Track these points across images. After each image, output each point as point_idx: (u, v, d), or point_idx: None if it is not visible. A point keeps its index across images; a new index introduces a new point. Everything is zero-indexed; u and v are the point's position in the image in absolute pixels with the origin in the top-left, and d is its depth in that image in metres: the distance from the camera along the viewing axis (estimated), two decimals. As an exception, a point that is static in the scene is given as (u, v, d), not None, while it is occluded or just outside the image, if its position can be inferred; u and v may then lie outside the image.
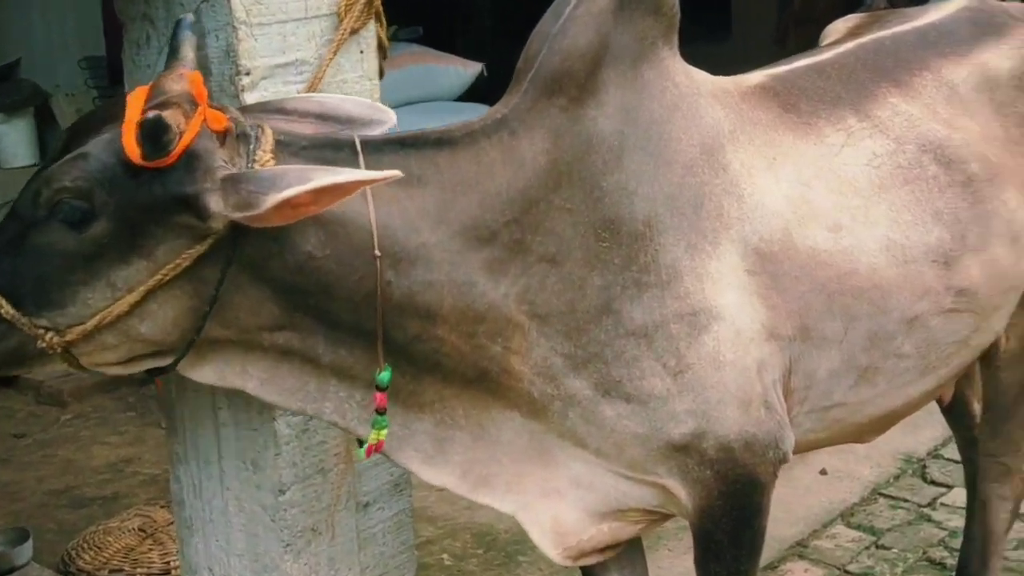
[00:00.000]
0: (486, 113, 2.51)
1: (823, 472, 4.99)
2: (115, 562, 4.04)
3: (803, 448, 2.88)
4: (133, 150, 2.14)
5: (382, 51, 3.05)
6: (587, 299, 2.46)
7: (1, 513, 4.60)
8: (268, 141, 2.25)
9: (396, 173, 2.17)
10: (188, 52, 2.34)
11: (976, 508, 3.69)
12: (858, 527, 4.64)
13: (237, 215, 2.14)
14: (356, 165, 2.27)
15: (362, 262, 2.28)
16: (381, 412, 2.38)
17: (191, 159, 2.17)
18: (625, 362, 2.48)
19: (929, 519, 4.65)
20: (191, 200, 2.16)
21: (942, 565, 4.24)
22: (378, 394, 2.37)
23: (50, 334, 2.23)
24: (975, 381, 3.56)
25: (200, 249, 2.21)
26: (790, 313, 2.61)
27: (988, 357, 3.36)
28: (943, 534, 4.44)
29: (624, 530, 2.74)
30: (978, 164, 2.91)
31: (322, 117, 2.47)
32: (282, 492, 2.89)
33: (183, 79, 2.25)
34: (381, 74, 3.05)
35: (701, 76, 2.72)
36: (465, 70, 6.67)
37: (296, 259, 2.27)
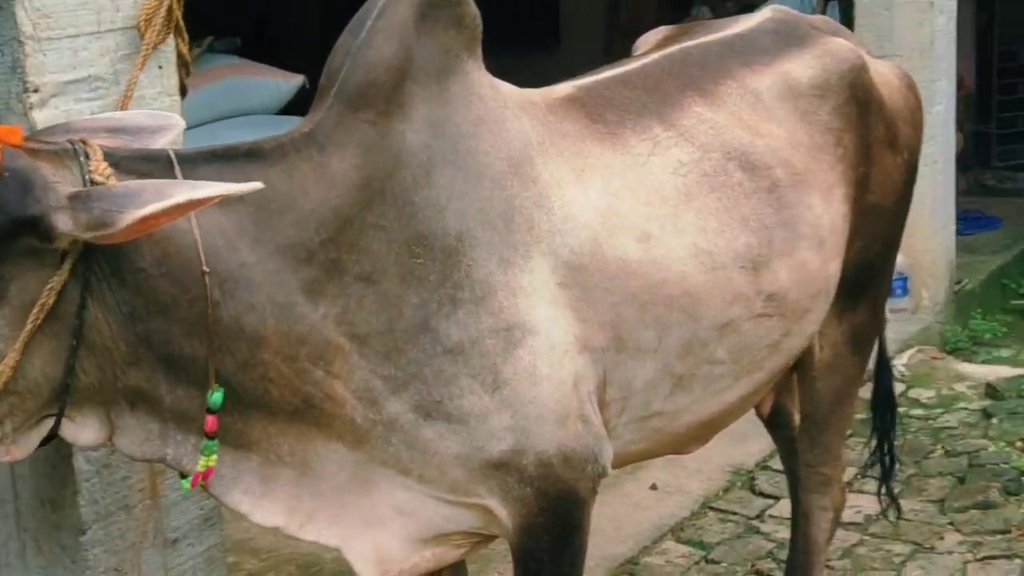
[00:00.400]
0: (292, 128, 2.46)
1: (653, 487, 4.98)
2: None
3: (625, 460, 2.90)
4: None
5: (185, 67, 2.95)
6: (404, 318, 2.42)
7: None
8: (98, 155, 2.15)
9: (258, 185, 2.11)
10: None
11: (799, 519, 3.72)
12: (688, 542, 4.64)
13: (89, 235, 2.03)
14: (173, 177, 2.19)
15: (192, 281, 2.21)
16: (211, 436, 2.30)
17: (17, 177, 2.04)
18: (444, 381, 2.45)
19: (758, 531, 4.67)
20: (35, 221, 2.02)
21: (762, 576, 4.23)
22: (209, 417, 2.28)
23: None
24: (793, 392, 3.59)
25: (58, 280, 2.09)
26: (602, 324, 2.61)
27: (803, 367, 3.42)
28: (771, 546, 4.47)
29: (447, 554, 2.71)
30: (782, 170, 2.95)
31: (112, 131, 2.36)
32: (83, 532, 2.77)
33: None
34: (183, 90, 2.95)
35: (507, 88, 2.71)
36: (286, 82, 6.51)
37: (135, 278, 2.19)
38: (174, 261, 2.21)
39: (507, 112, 2.62)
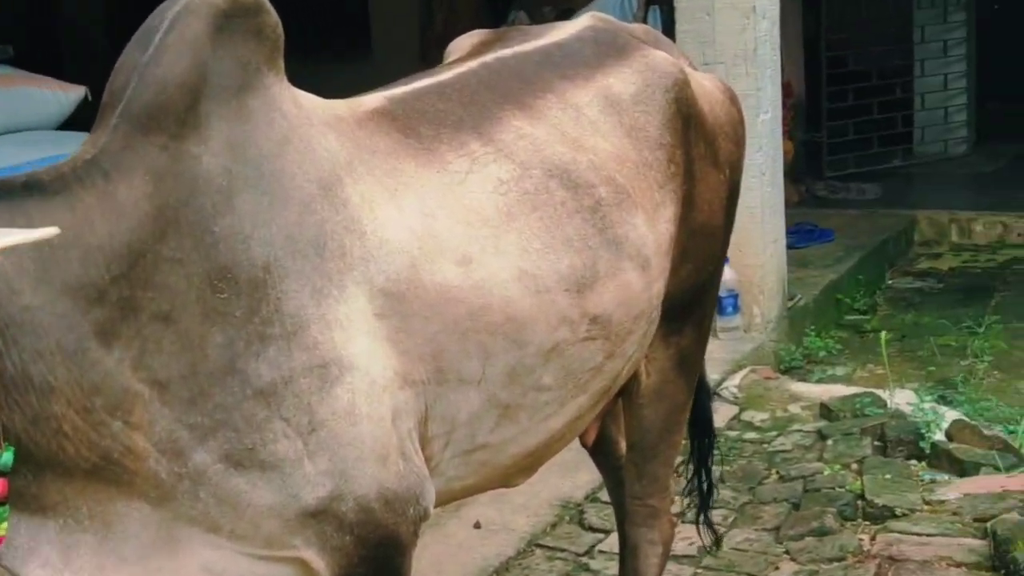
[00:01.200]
0: (72, 155, 2.28)
1: (477, 525, 4.77)
2: None
3: (450, 497, 2.84)
4: None
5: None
6: (209, 359, 2.26)
7: None
8: None
9: (52, 230, 1.93)
10: None
11: (626, 555, 3.60)
12: (515, 585, 4.43)
13: None
14: None
15: None
16: (2, 502, 2.13)
17: None
18: (255, 426, 2.29)
19: (587, 568, 4.49)
20: None
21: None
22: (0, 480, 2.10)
23: None
24: (619, 419, 3.46)
25: None
26: (423, 356, 2.50)
27: (629, 393, 3.31)
28: (598, 588, 4.25)
29: None
30: (606, 188, 2.84)
31: None
32: None
33: None
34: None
35: (311, 102, 2.56)
36: (66, 94, 6.18)
37: None
38: None
39: (313, 129, 2.47)
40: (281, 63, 2.46)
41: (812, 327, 7.16)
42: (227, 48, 2.33)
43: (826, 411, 5.74)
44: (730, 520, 4.74)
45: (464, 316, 2.53)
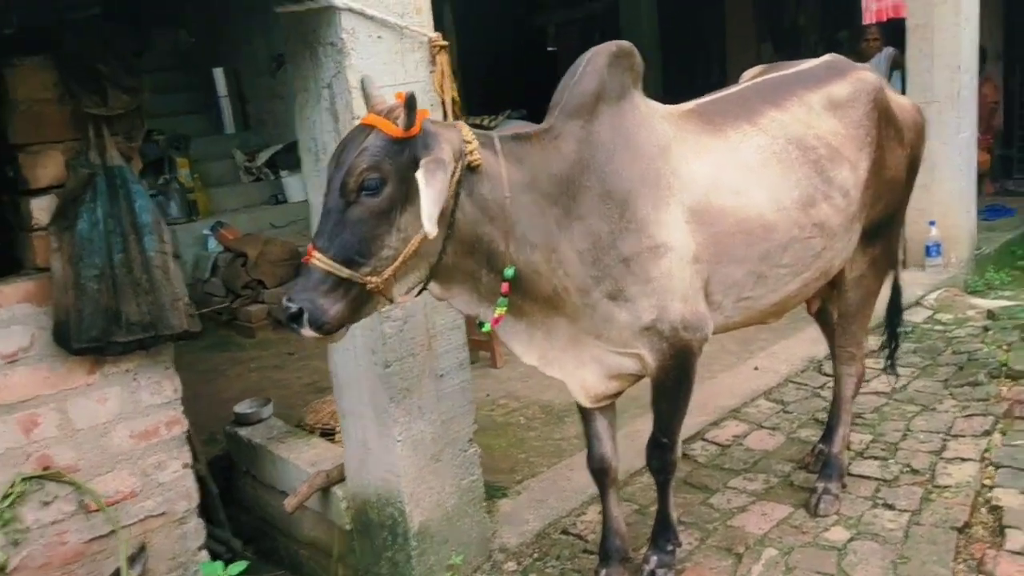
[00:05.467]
0: (535, 128, 2.53)
1: (756, 369, 4.85)
2: (325, 420, 4.06)
3: (728, 328, 2.89)
4: (394, 128, 2.21)
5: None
6: (602, 240, 2.50)
7: (276, 396, 4.66)
8: (467, 130, 2.40)
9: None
10: (372, 93, 2.36)
11: (836, 383, 3.59)
12: (774, 400, 4.49)
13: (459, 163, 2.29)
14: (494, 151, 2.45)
15: (502, 203, 2.38)
16: (504, 295, 2.45)
17: (428, 131, 2.26)
18: (622, 277, 2.52)
19: (819, 395, 4.48)
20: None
21: (821, 421, 4.08)
22: (504, 283, 2.43)
23: (374, 278, 2.24)
24: (834, 299, 3.42)
25: (451, 193, 2.28)
26: (708, 245, 2.63)
27: (840, 282, 3.29)
28: (826, 403, 4.25)
29: (621, 386, 2.79)
30: (824, 149, 2.90)
31: None
32: (387, 366, 2.92)
33: (390, 102, 2.32)
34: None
35: (655, 106, 2.74)
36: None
37: (478, 199, 2.36)
38: (496, 190, 2.37)
39: (655, 119, 2.65)
40: (640, 83, 2.65)
41: (992, 267, 6.66)
42: (614, 75, 2.55)
43: (991, 315, 5.39)
44: (915, 374, 4.60)
45: (733, 223, 2.66)
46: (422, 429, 3.02)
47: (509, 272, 2.43)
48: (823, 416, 4.10)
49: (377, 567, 3.17)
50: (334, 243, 2.21)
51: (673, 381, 2.72)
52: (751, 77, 3.21)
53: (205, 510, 3.40)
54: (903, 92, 6.42)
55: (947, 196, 6.37)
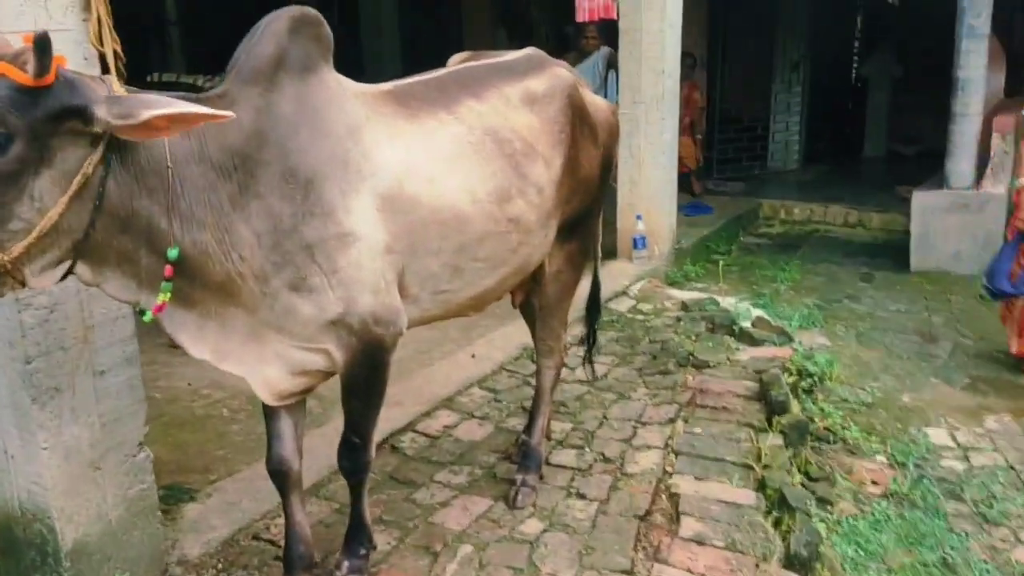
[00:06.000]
0: (207, 94, 2.16)
1: (472, 356, 4.66)
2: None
3: (426, 321, 2.67)
4: (23, 75, 1.73)
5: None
6: (283, 222, 2.16)
7: None
8: (117, 82, 1.92)
9: (231, 114, 1.87)
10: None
11: (537, 374, 3.47)
12: (486, 388, 4.33)
13: (119, 122, 1.79)
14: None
15: (163, 174, 2.00)
16: (167, 280, 2.06)
17: (67, 81, 1.80)
18: (304, 265, 2.20)
19: (529, 384, 4.31)
20: (80, 109, 1.79)
21: (526, 410, 3.94)
22: (167, 266, 2.04)
23: (1, 256, 1.78)
24: (535, 291, 3.26)
25: (95, 157, 1.84)
26: (401, 235, 2.38)
27: (539, 276, 3.15)
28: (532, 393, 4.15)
29: (310, 382, 2.47)
30: (519, 143, 2.70)
31: None
32: (29, 362, 2.36)
33: (21, 42, 1.79)
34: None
35: (349, 83, 2.42)
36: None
37: (134, 168, 1.96)
38: (156, 159, 1.98)
39: (346, 97, 2.34)
40: (330, 57, 2.33)
41: (688, 260, 6.98)
42: (297, 43, 2.22)
43: (684, 306, 5.58)
44: (615, 362, 4.63)
45: (427, 213, 2.42)
46: (76, 434, 2.48)
47: (173, 253, 2.03)
48: (528, 406, 3.96)
49: (24, 591, 2.59)
50: None
51: (364, 378, 2.43)
52: (456, 63, 2.98)
53: None
54: (617, 92, 6.54)
55: (652, 192, 6.56)
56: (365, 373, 2.41)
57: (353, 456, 2.55)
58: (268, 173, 2.14)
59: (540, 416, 3.40)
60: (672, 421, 3.85)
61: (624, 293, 5.87)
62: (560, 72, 2.95)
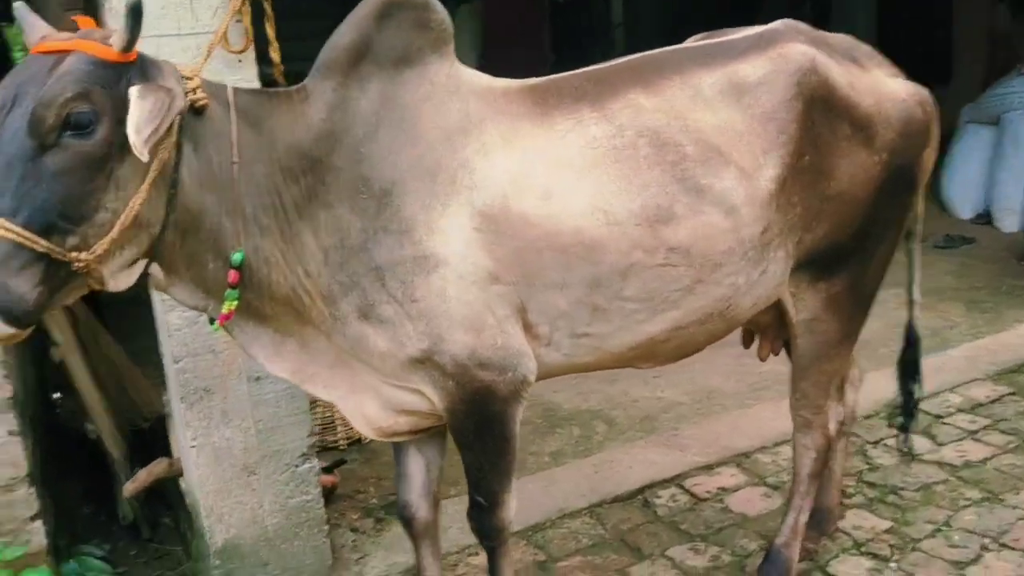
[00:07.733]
0: (293, 87, 1.91)
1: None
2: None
3: (573, 369, 2.12)
4: (107, 50, 1.59)
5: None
6: (351, 238, 1.84)
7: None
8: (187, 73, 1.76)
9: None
10: (33, 22, 1.71)
11: (793, 456, 2.57)
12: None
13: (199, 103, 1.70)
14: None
15: (228, 169, 1.76)
16: (232, 287, 1.80)
17: (146, 62, 1.66)
18: (373, 290, 1.85)
19: (861, 454, 3.31)
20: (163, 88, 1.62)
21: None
22: (232, 272, 1.79)
23: (83, 254, 1.59)
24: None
25: (172, 142, 1.66)
26: (511, 263, 1.89)
27: (787, 325, 2.34)
28: (872, 464, 3.14)
29: (421, 422, 2.09)
30: (694, 147, 1.97)
31: None
32: (177, 361, 2.40)
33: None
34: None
35: (473, 78, 1.99)
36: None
37: (203, 157, 1.73)
38: (223, 152, 1.75)
39: (455, 95, 1.91)
40: (445, 47, 1.91)
41: None
42: (390, 30, 1.85)
43: None
44: (1007, 445, 3.24)
45: (540, 236, 1.89)
46: (228, 436, 2.48)
47: (237, 257, 1.78)
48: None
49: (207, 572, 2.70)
50: (25, 204, 1.52)
51: (473, 431, 2.00)
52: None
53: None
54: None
55: None
56: (474, 424, 1.98)
57: (479, 517, 2.13)
58: (339, 180, 1.82)
59: (792, 511, 2.51)
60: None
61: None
62: (791, 52, 2.08)
